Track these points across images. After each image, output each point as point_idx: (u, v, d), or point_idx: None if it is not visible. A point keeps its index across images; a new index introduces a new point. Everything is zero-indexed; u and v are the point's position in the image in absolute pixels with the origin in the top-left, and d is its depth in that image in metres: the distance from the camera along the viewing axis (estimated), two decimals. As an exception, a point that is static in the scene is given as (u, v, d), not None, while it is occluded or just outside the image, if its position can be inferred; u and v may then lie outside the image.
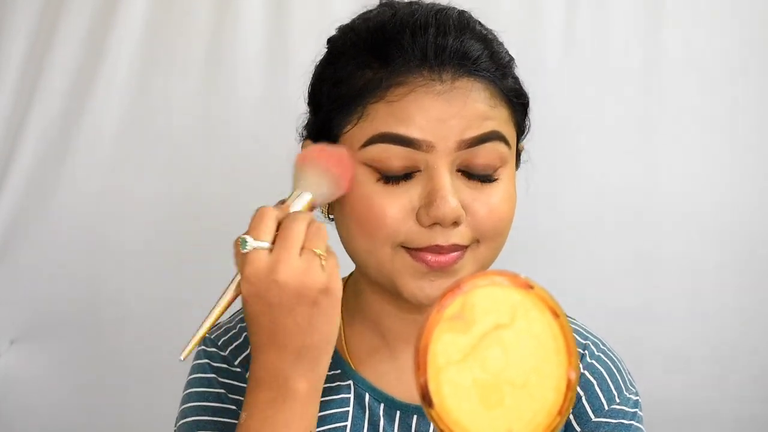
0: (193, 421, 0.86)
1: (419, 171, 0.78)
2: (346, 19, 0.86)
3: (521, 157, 0.89)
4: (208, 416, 0.85)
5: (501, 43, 0.84)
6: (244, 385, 0.83)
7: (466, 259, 0.80)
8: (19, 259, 1.41)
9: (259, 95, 1.41)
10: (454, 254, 0.78)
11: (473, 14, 0.85)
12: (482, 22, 0.85)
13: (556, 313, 0.58)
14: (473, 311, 0.57)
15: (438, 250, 0.77)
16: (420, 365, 0.56)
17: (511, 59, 0.85)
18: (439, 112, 0.76)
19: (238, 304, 0.92)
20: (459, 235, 0.78)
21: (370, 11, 0.85)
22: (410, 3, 0.83)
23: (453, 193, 0.76)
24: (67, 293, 1.42)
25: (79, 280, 1.42)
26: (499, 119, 0.79)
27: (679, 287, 1.43)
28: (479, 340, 0.57)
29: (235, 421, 0.77)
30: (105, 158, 1.41)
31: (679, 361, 1.44)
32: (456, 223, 0.77)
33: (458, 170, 0.78)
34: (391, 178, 0.77)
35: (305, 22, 1.40)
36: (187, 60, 1.42)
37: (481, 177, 0.79)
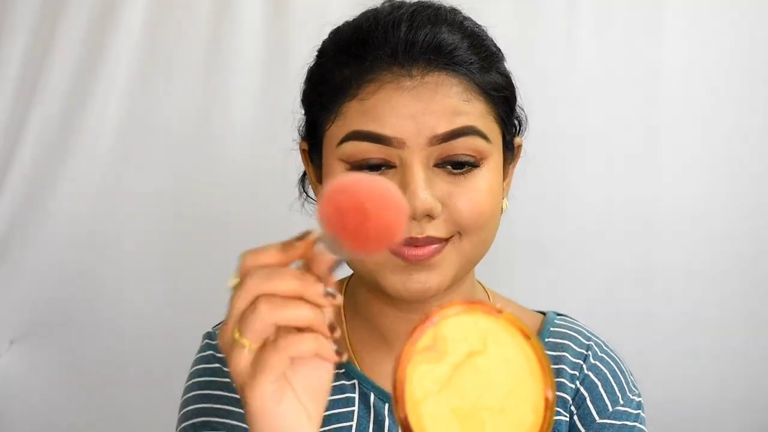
0: (195, 409, 0.86)
1: (394, 167, 0.78)
2: (343, 20, 0.87)
3: (519, 153, 0.89)
4: (212, 404, 0.86)
5: (487, 37, 0.84)
6: None
7: (447, 252, 0.79)
8: (19, 259, 1.41)
9: (258, 96, 1.41)
10: (432, 247, 0.78)
11: (464, 11, 0.84)
12: (474, 19, 0.84)
13: (527, 335, 0.58)
14: (445, 342, 0.58)
15: (413, 242, 0.77)
16: (398, 400, 0.56)
17: (498, 52, 0.84)
18: (409, 109, 0.76)
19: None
20: (434, 228, 0.78)
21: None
22: (396, 2, 0.83)
23: (425, 187, 0.76)
24: (67, 293, 1.42)
25: (78, 280, 1.42)
26: (474, 114, 0.78)
27: (683, 293, 1.43)
28: (454, 370, 0.57)
29: (240, 410, 0.77)
30: (104, 158, 1.41)
31: (683, 366, 1.44)
32: (430, 217, 0.77)
33: (436, 164, 0.78)
34: (366, 173, 0.77)
35: (304, 23, 1.40)
36: (186, 60, 1.42)
37: (459, 171, 0.78)
